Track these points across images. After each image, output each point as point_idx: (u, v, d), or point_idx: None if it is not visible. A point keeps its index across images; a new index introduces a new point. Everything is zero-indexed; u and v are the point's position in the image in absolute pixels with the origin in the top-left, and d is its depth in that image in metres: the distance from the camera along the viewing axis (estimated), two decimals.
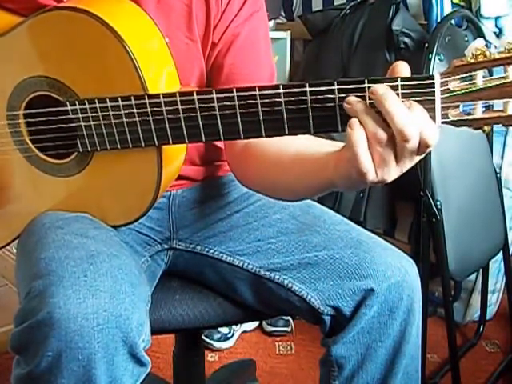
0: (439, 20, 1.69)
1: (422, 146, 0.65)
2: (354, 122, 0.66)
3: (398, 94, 0.65)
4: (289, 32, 2.26)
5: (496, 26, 1.80)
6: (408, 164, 0.67)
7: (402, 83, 0.65)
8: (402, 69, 0.66)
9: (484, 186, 1.69)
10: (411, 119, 0.63)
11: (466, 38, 1.65)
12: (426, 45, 1.49)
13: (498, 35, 1.79)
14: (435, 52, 1.46)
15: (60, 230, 0.83)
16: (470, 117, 0.65)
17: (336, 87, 0.67)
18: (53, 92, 0.83)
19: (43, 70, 0.83)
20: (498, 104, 0.64)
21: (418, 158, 0.67)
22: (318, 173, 0.76)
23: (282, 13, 2.45)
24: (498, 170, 1.76)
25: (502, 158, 1.85)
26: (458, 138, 1.55)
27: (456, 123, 0.66)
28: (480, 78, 0.64)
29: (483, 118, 0.65)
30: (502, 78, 0.63)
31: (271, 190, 0.89)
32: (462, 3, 1.78)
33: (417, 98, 0.65)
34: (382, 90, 0.65)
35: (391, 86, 0.65)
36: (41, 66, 0.83)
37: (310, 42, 2.18)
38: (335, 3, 2.22)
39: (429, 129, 0.64)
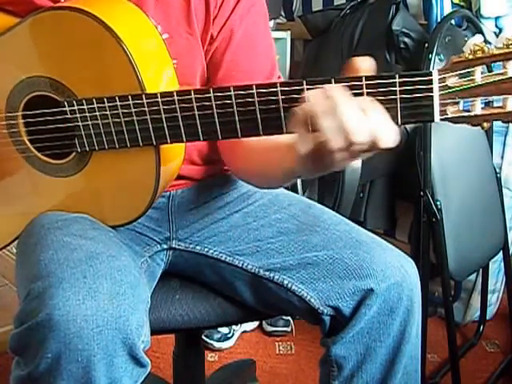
0: (439, 20, 1.69)
1: (374, 147, 0.65)
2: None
3: (396, 91, 0.65)
4: (289, 32, 2.26)
5: (496, 26, 1.79)
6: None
7: (401, 80, 0.65)
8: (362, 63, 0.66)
9: (484, 186, 1.69)
10: (363, 125, 0.63)
11: (466, 38, 1.65)
12: (426, 45, 1.49)
13: (498, 35, 1.79)
14: (435, 52, 1.46)
15: (59, 231, 0.83)
16: (469, 113, 0.65)
17: (334, 85, 0.67)
18: (51, 92, 0.83)
19: (41, 70, 0.83)
20: (497, 100, 0.63)
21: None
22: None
23: (282, 13, 2.44)
24: (497, 170, 1.76)
25: (502, 157, 1.84)
26: (457, 138, 1.55)
27: (455, 120, 0.65)
28: (478, 75, 0.63)
29: (482, 114, 0.64)
30: (501, 74, 0.62)
31: (259, 175, 0.91)
32: (462, 3, 1.78)
33: (415, 95, 0.65)
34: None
35: (390, 84, 0.65)
36: (39, 66, 0.83)
37: (310, 42, 2.17)
38: (335, 3, 2.22)
39: (383, 132, 0.63)
